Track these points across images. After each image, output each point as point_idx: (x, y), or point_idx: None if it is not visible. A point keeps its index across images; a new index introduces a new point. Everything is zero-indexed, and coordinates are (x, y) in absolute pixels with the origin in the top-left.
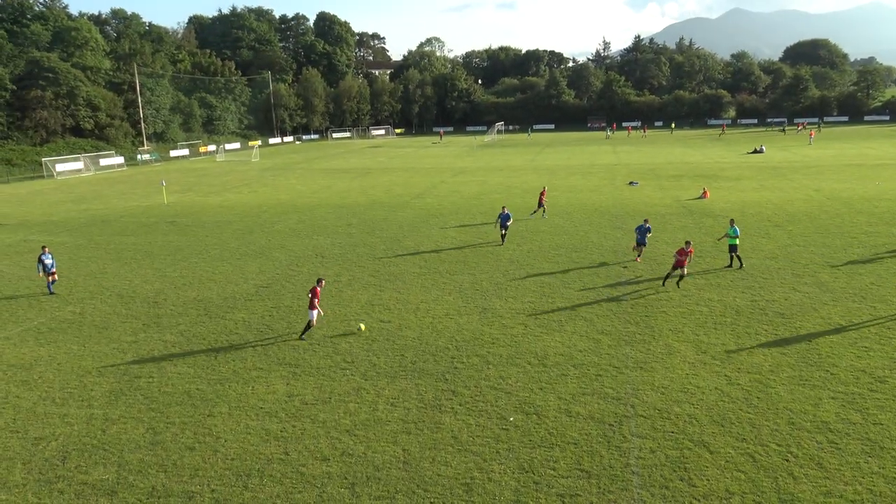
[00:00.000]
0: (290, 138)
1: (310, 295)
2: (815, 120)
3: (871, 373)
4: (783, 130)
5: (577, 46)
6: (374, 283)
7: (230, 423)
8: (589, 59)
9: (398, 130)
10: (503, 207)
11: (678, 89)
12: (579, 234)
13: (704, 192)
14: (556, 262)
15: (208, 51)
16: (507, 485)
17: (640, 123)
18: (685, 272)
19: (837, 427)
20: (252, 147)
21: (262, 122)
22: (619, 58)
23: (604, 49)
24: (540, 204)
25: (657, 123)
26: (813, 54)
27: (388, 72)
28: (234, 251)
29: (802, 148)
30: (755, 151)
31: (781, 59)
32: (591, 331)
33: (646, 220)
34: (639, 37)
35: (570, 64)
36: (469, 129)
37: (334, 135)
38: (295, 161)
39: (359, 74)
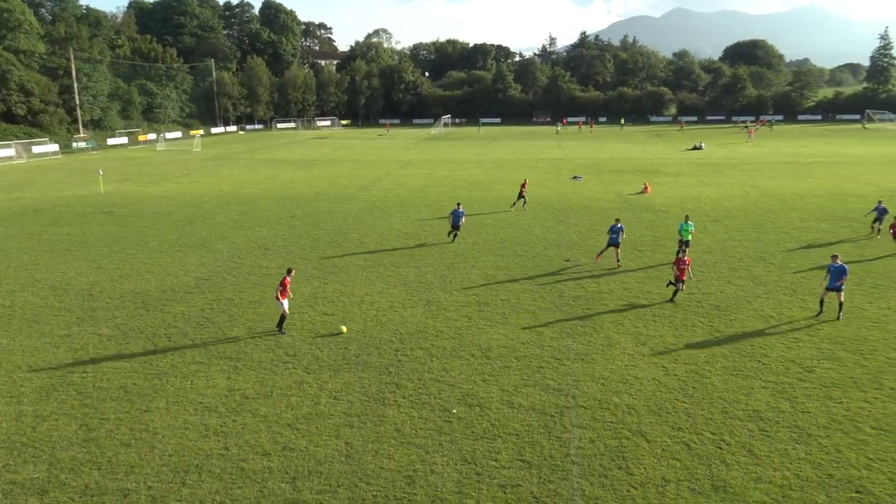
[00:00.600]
0: (233, 128)
1: (280, 287)
2: (771, 118)
3: (799, 363)
4: (746, 127)
5: (524, 41)
6: (317, 275)
7: (168, 418)
8: (535, 54)
9: (344, 122)
10: (458, 204)
11: (622, 86)
12: (524, 227)
13: (645, 188)
14: (500, 255)
15: (149, 36)
16: (449, 476)
17: (587, 119)
18: (683, 286)
19: (768, 415)
20: (194, 136)
21: (205, 110)
22: (564, 53)
23: (550, 44)
24: (521, 196)
25: (602, 119)
26: (751, 54)
27: (335, 62)
28: (173, 242)
29: (740, 145)
30: (695, 148)
31: (721, 59)
32: (534, 323)
33: (617, 220)
34: (584, 33)
35: (517, 58)
36: (416, 121)
37: (279, 125)
38: (238, 151)
39: (305, 64)
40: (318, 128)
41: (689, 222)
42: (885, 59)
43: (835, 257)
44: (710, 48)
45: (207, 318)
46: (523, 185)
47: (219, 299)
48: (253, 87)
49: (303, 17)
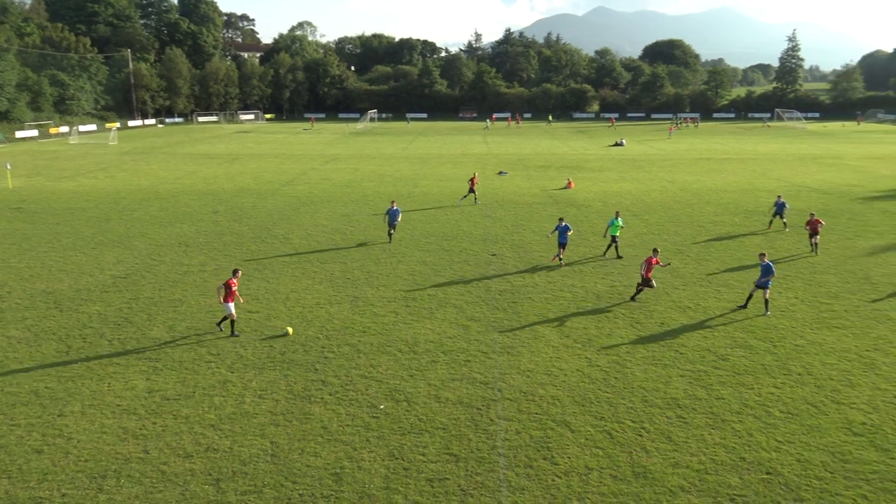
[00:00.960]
0: (151, 121)
1: (223, 289)
2: (696, 115)
3: (714, 351)
4: (676, 124)
5: (450, 37)
6: (242, 272)
7: (83, 422)
8: (461, 50)
9: (268, 116)
10: (392, 202)
11: (546, 82)
12: (450, 222)
13: (569, 183)
14: (426, 251)
15: (60, 25)
16: (376, 472)
17: (513, 115)
18: (654, 284)
19: (685, 402)
20: (110, 129)
21: (121, 103)
22: (490, 50)
23: (475, 40)
24: (471, 189)
25: (527, 115)
26: (669, 54)
27: (258, 55)
28: (88, 240)
29: (659, 142)
30: (616, 144)
31: (641, 57)
32: (461, 317)
33: (561, 219)
34: (509, 30)
35: (443, 54)
36: (341, 116)
37: (200, 119)
38: (157, 145)
39: (227, 56)
40: (242, 122)
41: (619, 218)
42: (793, 61)
43: (762, 256)
44: (630, 46)
45: (125, 317)
46: (473, 179)
47: (137, 298)
48: (172, 79)
49: (224, 7)
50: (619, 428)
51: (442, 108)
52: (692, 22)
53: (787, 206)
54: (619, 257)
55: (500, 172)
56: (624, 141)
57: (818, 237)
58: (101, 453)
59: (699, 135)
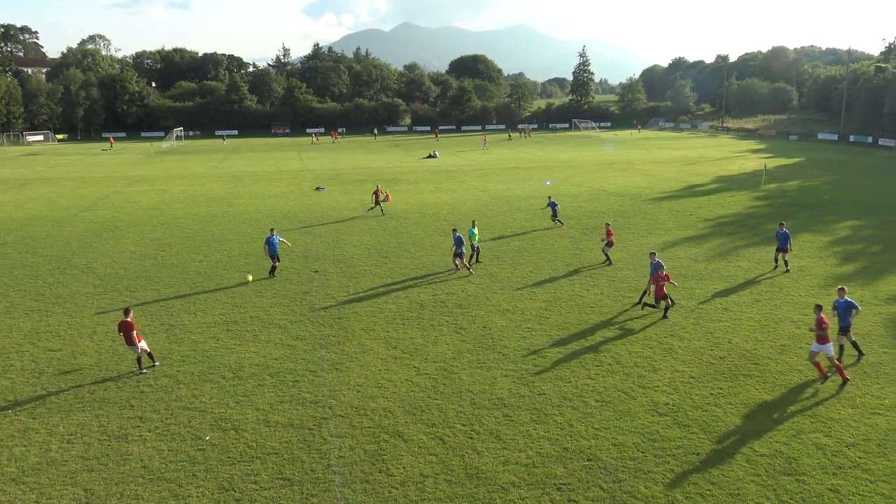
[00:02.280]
0: None
1: (122, 333)
2: (532, 126)
3: (533, 350)
4: (509, 137)
5: (257, 52)
6: (38, 307)
7: None
8: (270, 65)
9: (60, 136)
10: (272, 230)
11: (358, 97)
12: None
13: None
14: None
15: None
16: None
17: (327, 130)
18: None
19: (510, 401)
20: None
21: None
22: (299, 65)
23: (284, 55)
24: (376, 202)
25: (341, 130)
26: (473, 68)
27: (45, 70)
28: None
29: (471, 153)
30: (430, 156)
31: (448, 72)
32: (287, 337)
33: (454, 230)
34: (318, 45)
35: (251, 69)
36: (144, 134)
37: None
38: None
39: (7, 72)
40: (29, 143)
41: (475, 227)
42: (585, 75)
43: (652, 254)
44: (437, 61)
45: None
46: (376, 192)
47: None
48: None
49: (0, 18)
50: (450, 433)
51: (253, 125)
52: (493, 38)
53: (557, 205)
54: (475, 262)
55: (318, 188)
56: (437, 153)
57: (610, 249)
58: None
59: (509, 146)
